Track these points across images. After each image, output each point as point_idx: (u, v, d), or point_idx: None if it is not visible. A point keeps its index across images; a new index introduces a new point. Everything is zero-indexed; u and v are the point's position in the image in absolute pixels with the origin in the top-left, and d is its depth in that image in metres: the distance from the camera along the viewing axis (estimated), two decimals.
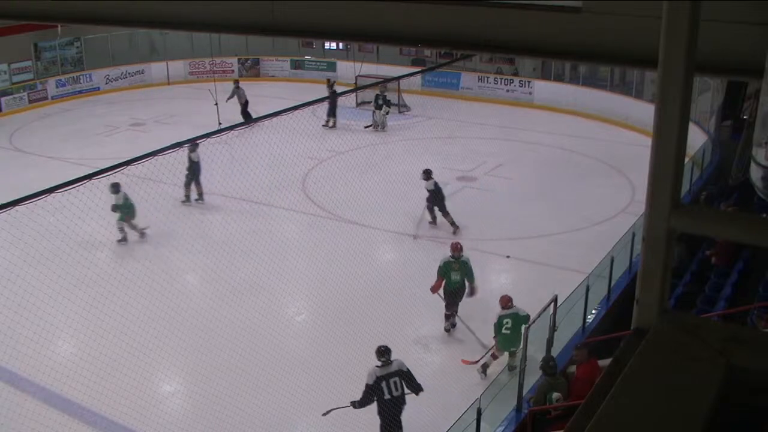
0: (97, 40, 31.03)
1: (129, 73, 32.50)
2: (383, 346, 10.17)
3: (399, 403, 10.13)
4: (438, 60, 29.96)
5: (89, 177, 5.77)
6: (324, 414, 10.09)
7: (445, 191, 17.21)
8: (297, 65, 34.12)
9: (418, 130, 25.24)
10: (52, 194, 5.62)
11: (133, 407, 10.47)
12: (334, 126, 25.71)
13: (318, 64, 33.83)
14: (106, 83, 31.79)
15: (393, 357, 10.11)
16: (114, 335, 11.12)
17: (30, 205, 5.53)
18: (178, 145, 6.52)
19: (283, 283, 14.24)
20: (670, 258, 1.83)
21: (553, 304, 11.02)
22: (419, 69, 30.34)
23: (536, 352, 10.90)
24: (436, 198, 16.94)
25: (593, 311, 12.54)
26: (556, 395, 9.76)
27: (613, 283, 13.00)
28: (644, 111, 23.04)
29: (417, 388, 10.19)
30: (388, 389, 10.01)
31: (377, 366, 10.04)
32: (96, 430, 10.69)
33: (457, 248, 13.13)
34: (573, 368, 10.60)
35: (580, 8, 3.27)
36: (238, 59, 33.89)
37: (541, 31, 3.47)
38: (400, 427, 10.28)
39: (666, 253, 1.83)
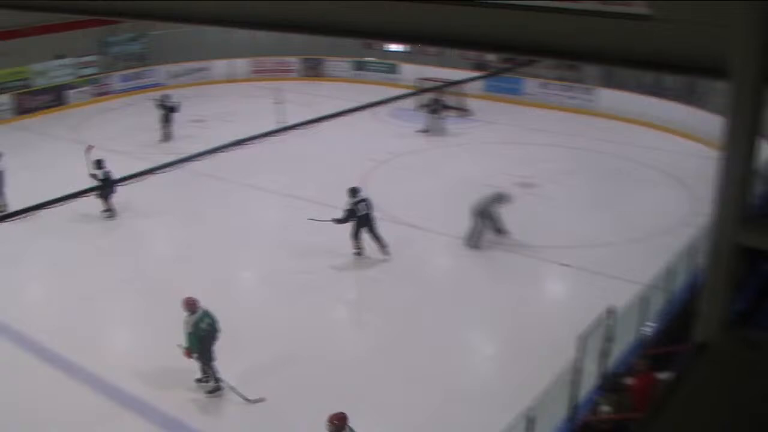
0: (162, 37, 31.50)
1: (192, 70, 32.96)
2: (355, 186, 15.23)
3: (371, 219, 15.09)
4: (500, 65, 29.75)
5: (150, 171, 5.87)
6: (309, 219, 15.34)
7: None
8: (359, 66, 34.19)
9: (479, 134, 25.13)
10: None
11: (183, 400, 10.69)
12: (165, 139, 23.46)
13: (380, 65, 33.86)
14: (170, 79, 32.29)
15: None
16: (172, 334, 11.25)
17: (88, 199, 5.65)
18: (239, 142, 6.60)
19: (336, 284, 14.39)
20: (735, 273, 1.78)
21: (609, 314, 10.84)
22: (481, 74, 30.13)
23: (590, 364, 10.73)
24: (105, 187, 17.08)
25: (650, 324, 12.30)
26: (605, 408, 9.62)
27: (672, 296, 12.75)
28: (711, 122, 22.49)
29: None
30: (363, 207, 14.96)
31: (351, 200, 14.88)
32: (144, 419, 10.84)
33: None
34: (630, 379, 10.41)
35: (649, 15, 3.21)
36: (301, 59, 34.10)
37: (609, 39, 3.41)
38: (381, 239, 15.24)
39: (731, 268, 1.78)
